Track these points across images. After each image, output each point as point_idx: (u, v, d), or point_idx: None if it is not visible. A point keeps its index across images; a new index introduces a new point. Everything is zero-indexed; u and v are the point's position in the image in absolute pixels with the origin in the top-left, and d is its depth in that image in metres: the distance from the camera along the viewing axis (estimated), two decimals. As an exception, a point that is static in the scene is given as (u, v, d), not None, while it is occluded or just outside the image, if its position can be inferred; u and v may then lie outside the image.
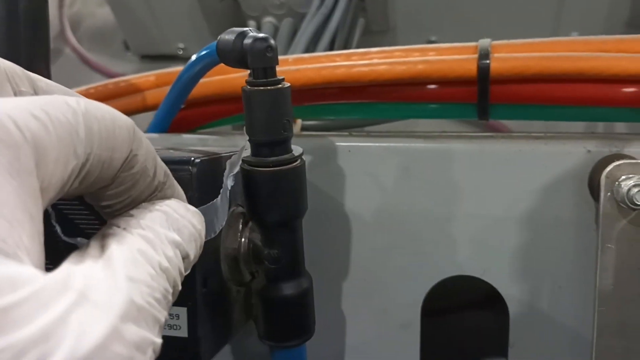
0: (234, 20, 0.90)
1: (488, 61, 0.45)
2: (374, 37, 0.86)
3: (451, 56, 0.47)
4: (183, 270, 0.24)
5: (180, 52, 0.94)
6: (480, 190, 0.45)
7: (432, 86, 0.47)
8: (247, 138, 0.36)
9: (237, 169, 0.36)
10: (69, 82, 0.62)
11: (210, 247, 0.36)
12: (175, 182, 0.28)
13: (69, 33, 1.02)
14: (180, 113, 0.52)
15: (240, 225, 0.39)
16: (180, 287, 0.24)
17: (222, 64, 0.38)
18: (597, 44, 0.46)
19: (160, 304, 0.21)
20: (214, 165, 0.37)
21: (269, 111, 0.35)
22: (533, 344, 0.46)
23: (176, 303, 0.24)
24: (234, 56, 0.36)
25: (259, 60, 0.35)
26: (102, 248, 0.22)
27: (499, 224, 0.45)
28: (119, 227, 0.24)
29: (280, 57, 0.43)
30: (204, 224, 0.27)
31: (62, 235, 0.30)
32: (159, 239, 0.23)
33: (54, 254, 0.22)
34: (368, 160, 0.46)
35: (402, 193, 0.46)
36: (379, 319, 0.48)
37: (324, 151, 0.47)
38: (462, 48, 0.48)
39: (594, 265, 0.39)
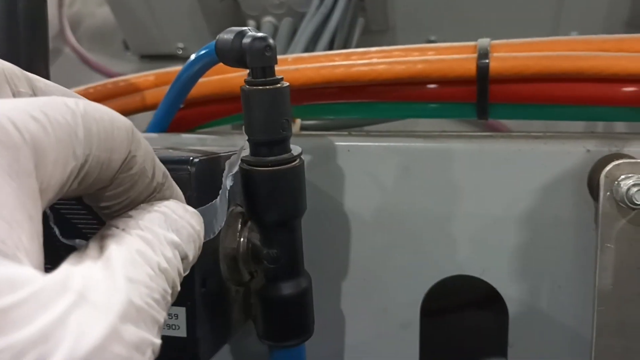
0: (233, 20, 0.90)
1: (487, 60, 0.45)
2: (373, 36, 0.86)
3: (450, 56, 0.47)
4: (182, 271, 0.24)
5: (180, 52, 0.94)
6: (480, 190, 0.45)
7: (432, 86, 0.47)
8: (246, 138, 0.36)
9: (236, 169, 0.36)
10: (69, 82, 0.62)
11: (209, 247, 0.36)
12: (173, 183, 0.28)
13: (69, 33, 1.02)
14: (180, 113, 0.52)
15: (239, 225, 0.39)
16: (179, 288, 0.24)
17: (221, 64, 0.38)
18: (596, 43, 0.46)
19: (159, 304, 0.21)
20: (212, 164, 0.37)
21: (267, 110, 0.35)
22: (532, 343, 0.46)
23: (175, 303, 0.24)
24: (233, 55, 0.36)
25: (258, 60, 0.35)
26: (101, 249, 0.22)
27: (498, 224, 0.45)
28: (117, 228, 0.24)
29: (279, 57, 0.43)
30: (202, 224, 0.27)
31: (60, 236, 0.30)
32: (157, 240, 0.23)
33: (53, 256, 0.22)
34: (367, 159, 0.46)
35: (401, 193, 0.46)
36: (379, 319, 0.48)
37: (323, 151, 0.47)
38: (461, 47, 0.48)
39: (594, 265, 0.39)
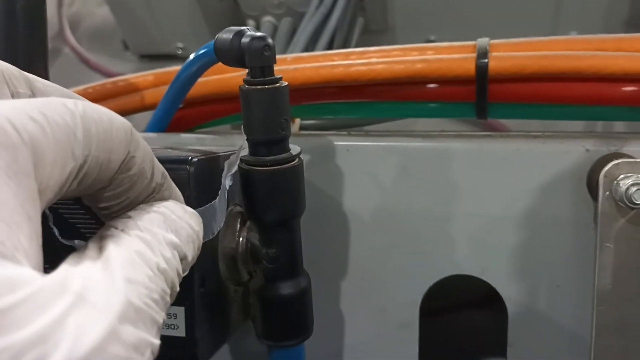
0: (233, 20, 0.90)
1: (486, 60, 0.45)
2: (372, 36, 0.86)
3: (449, 55, 0.47)
4: (181, 271, 0.24)
5: (180, 52, 0.94)
6: (479, 190, 0.45)
7: (431, 85, 0.47)
8: (245, 137, 0.36)
9: (235, 168, 0.36)
10: (68, 82, 0.62)
11: (208, 247, 0.36)
12: (172, 184, 0.28)
13: (68, 33, 1.02)
14: (179, 112, 0.52)
15: (238, 225, 0.39)
16: (178, 288, 0.24)
17: (220, 63, 0.38)
18: (595, 42, 0.46)
19: (158, 305, 0.21)
20: (211, 164, 0.37)
21: (266, 110, 0.35)
22: (532, 343, 0.46)
23: (174, 303, 0.24)
24: (232, 55, 0.36)
25: (257, 59, 0.35)
26: (100, 250, 0.22)
27: (497, 223, 0.45)
28: (116, 228, 0.24)
29: (278, 56, 0.43)
30: (201, 225, 0.27)
31: (60, 237, 0.30)
32: (156, 241, 0.23)
33: (53, 256, 0.22)
34: (366, 159, 0.46)
35: (400, 192, 0.46)
36: (378, 319, 0.48)
37: (323, 150, 0.47)
38: (460, 47, 0.48)
39: (593, 265, 0.39)
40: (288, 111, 0.36)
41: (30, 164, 0.19)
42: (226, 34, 0.36)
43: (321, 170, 0.47)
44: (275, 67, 0.36)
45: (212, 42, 0.37)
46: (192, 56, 0.44)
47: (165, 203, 0.26)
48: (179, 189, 0.29)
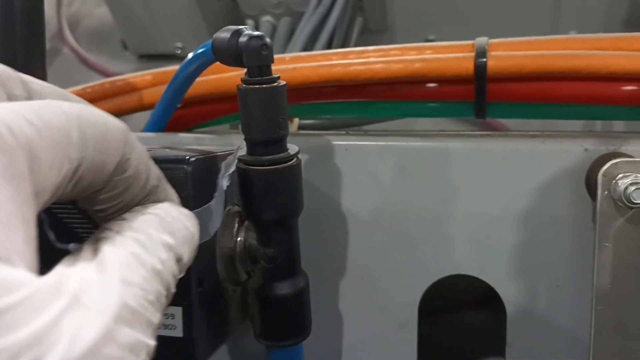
0: (232, 20, 0.90)
1: (485, 59, 0.45)
2: (372, 36, 0.86)
3: (448, 54, 0.47)
4: (177, 272, 0.24)
5: (178, 52, 0.94)
6: (478, 189, 0.45)
7: (429, 85, 0.47)
8: (243, 137, 0.36)
9: (232, 168, 0.36)
10: (67, 82, 0.62)
11: (206, 247, 0.36)
12: (168, 186, 0.28)
13: (67, 33, 1.02)
14: (177, 112, 0.52)
15: (236, 225, 0.39)
16: (174, 290, 0.24)
17: (218, 63, 0.38)
18: (594, 42, 0.46)
19: (154, 306, 0.21)
20: (209, 164, 0.37)
21: (264, 110, 0.35)
22: (530, 343, 0.46)
23: (171, 303, 0.24)
24: (230, 54, 0.36)
25: (255, 59, 0.35)
26: (95, 251, 0.22)
27: (496, 223, 0.45)
28: (112, 230, 0.24)
29: (277, 56, 0.43)
30: (197, 226, 0.27)
31: (55, 241, 0.30)
32: (152, 242, 0.23)
33: (49, 260, 0.22)
34: (365, 159, 0.46)
35: (399, 192, 0.46)
36: (377, 318, 0.48)
37: (321, 150, 0.47)
38: (459, 46, 0.48)
39: (591, 264, 0.39)
40: (286, 110, 0.36)
41: (26, 167, 0.19)
42: (224, 33, 0.36)
43: (320, 170, 0.47)
44: (274, 67, 0.36)
45: (210, 41, 0.37)
46: (190, 55, 0.44)
47: (160, 205, 0.26)
48: (177, 188, 0.29)
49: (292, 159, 0.37)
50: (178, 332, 0.35)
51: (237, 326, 0.41)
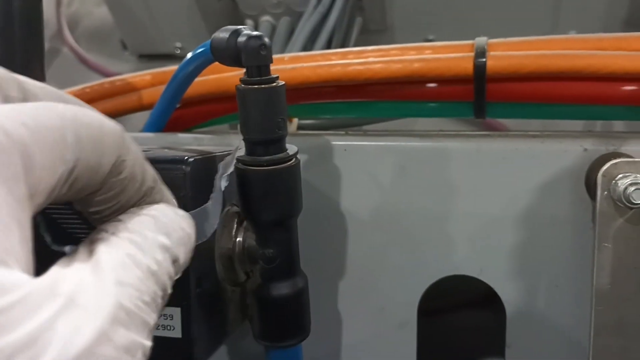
0: (231, 20, 0.90)
1: (484, 59, 0.45)
2: (371, 36, 0.86)
3: (447, 54, 0.47)
4: (173, 273, 0.24)
5: (178, 52, 0.94)
6: (477, 189, 0.45)
7: (429, 85, 0.47)
8: (242, 137, 0.36)
9: (231, 169, 0.36)
10: (67, 82, 0.62)
11: (205, 247, 0.35)
12: (164, 187, 0.28)
13: (67, 33, 1.02)
14: (176, 112, 0.52)
15: (235, 225, 0.38)
16: (170, 291, 0.24)
17: (217, 63, 0.38)
18: (594, 41, 0.46)
19: (150, 307, 0.21)
20: (208, 164, 0.37)
21: (263, 110, 0.35)
22: (530, 343, 0.46)
23: (170, 303, 0.24)
24: (228, 54, 0.36)
25: (253, 58, 0.35)
26: (91, 253, 0.22)
27: (495, 223, 0.45)
28: (107, 232, 0.24)
29: (276, 56, 0.43)
30: (193, 227, 0.27)
31: (52, 243, 0.30)
32: (147, 243, 0.23)
33: (45, 262, 0.22)
34: (364, 159, 0.46)
35: (398, 192, 0.46)
36: (376, 318, 0.48)
37: (320, 150, 0.47)
38: (458, 46, 0.48)
39: (591, 264, 0.39)
40: (285, 111, 0.36)
41: (21, 169, 0.19)
42: (222, 33, 0.36)
43: (319, 170, 0.47)
44: (273, 67, 0.36)
45: (209, 41, 0.37)
46: (189, 55, 0.44)
47: (156, 206, 0.26)
48: (175, 189, 0.29)
49: (291, 159, 0.36)
50: (177, 333, 0.35)
51: (236, 327, 0.40)
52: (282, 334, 0.39)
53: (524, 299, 0.45)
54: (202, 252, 0.35)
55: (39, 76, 0.47)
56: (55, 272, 0.19)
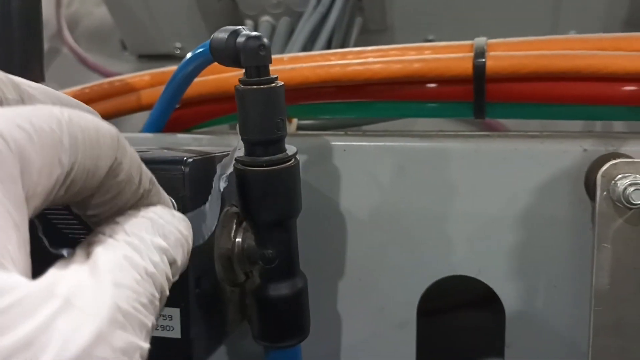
0: (231, 20, 0.90)
1: (484, 59, 0.45)
2: (371, 36, 0.86)
3: (447, 55, 0.47)
4: (170, 275, 0.24)
5: (178, 52, 0.94)
6: (476, 190, 0.45)
7: (428, 85, 0.47)
8: (241, 137, 0.36)
9: (229, 170, 0.36)
10: (67, 82, 0.62)
11: (204, 248, 0.35)
12: (161, 189, 0.28)
13: (67, 33, 1.02)
14: (175, 112, 0.52)
15: (234, 225, 0.38)
16: (167, 293, 0.24)
17: (217, 63, 0.38)
18: (594, 42, 0.46)
19: (147, 309, 0.21)
20: (207, 165, 0.36)
21: (262, 110, 0.35)
22: (529, 343, 0.46)
23: (169, 304, 0.24)
24: (227, 54, 0.36)
25: (252, 59, 0.35)
26: (88, 255, 0.22)
27: (494, 223, 0.45)
28: (104, 234, 0.24)
29: (275, 56, 0.43)
30: (190, 229, 0.27)
31: (49, 246, 0.30)
32: (144, 245, 0.23)
33: (43, 265, 0.22)
34: (364, 159, 0.46)
35: (398, 192, 0.46)
36: (375, 318, 0.48)
37: (320, 150, 0.47)
38: (458, 46, 0.48)
39: (590, 265, 0.39)
40: (284, 111, 0.36)
41: (17, 172, 0.19)
42: (221, 34, 0.36)
43: (318, 170, 0.47)
44: (272, 67, 0.35)
45: (208, 41, 0.37)
46: (188, 56, 0.44)
47: (153, 208, 0.26)
48: (174, 189, 0.29)
49: (290, 160, 0.36)
50: (176, 334, 0.35)
51: (235, 327, 0.40)
52: (281, 335, 0.39)
53: (523, 299, 0.45)
54: (202, 252, 0.35)
55: (38, 76, 0.47)
56: (53, 274, 0.19)
